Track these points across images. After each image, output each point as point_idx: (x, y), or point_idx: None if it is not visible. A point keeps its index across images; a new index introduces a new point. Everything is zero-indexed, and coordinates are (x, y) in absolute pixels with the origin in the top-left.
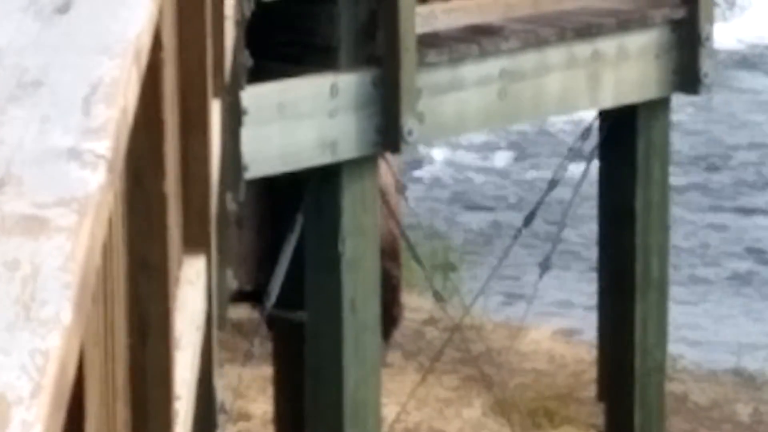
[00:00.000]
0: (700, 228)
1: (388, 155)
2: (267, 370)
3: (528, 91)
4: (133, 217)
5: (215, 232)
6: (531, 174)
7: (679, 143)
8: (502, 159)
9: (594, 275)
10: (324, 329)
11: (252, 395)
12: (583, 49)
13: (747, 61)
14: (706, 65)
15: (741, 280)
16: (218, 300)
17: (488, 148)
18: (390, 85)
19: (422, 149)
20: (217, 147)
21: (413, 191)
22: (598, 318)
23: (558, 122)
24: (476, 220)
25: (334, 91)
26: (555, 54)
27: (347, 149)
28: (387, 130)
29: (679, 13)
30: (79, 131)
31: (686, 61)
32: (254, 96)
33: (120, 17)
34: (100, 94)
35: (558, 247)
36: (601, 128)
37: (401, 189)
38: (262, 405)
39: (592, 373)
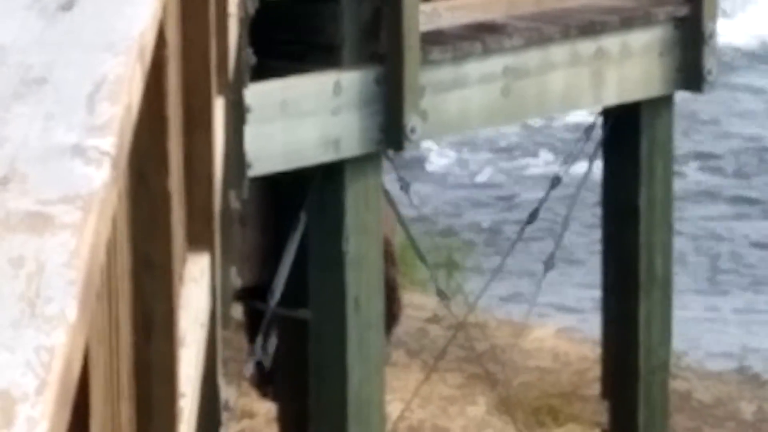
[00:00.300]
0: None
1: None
2: None
3: (531, 88)
4: (136, 215)
5: (219, 230)
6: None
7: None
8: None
9: (598, 273)
10: (328, 327)
11: (255, 393)
12: (586, 46)
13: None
14: (709, 62)
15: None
16: (222, 298)
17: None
18: (393, 82)
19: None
20: (220, 145)
21: (418, 188)
22: (602, 316)
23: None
24: (481, 218)
25: (337, 88)
26: (558, 51)
27: (350, 147)
28: (390, 128)
29: (683, 11)
30: (84, 128)
31: (690, 59)
32: (257, 94)
33: (124, 14)
34: (104, 91)
35: (561, 245)
36: (604, 126)
37: (406, 186)
38: (265, 403)
39: (596, 371)
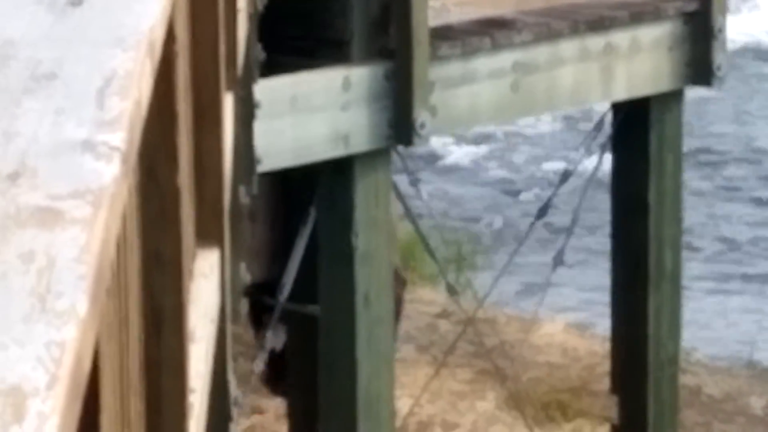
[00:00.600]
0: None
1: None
2: None
3: (541, 84)
4: (146, 210)
5: (228, 225)
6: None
7: None
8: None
9: (607, 268)
10: (337, 323)
11: (265, 389)
12: (596, 41)
13: None
14: (719, 57)
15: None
16: (232, 293)
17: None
18: (403, 78)
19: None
20: (229, 140)
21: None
22: (612, 310)
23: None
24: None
25: (346, 84)
26: (568, 47)
27: (360, 142)
28: (399, 124)
29: (692, 6)
30: (94, 123)
31: (699, 54)
32: (267, 89)
33: (133, 10)
34: (114, 86)
35: (571, 240)
36: (614, 121)
37: (414, 182)
38: (275, 399)
39: (606, 365)
